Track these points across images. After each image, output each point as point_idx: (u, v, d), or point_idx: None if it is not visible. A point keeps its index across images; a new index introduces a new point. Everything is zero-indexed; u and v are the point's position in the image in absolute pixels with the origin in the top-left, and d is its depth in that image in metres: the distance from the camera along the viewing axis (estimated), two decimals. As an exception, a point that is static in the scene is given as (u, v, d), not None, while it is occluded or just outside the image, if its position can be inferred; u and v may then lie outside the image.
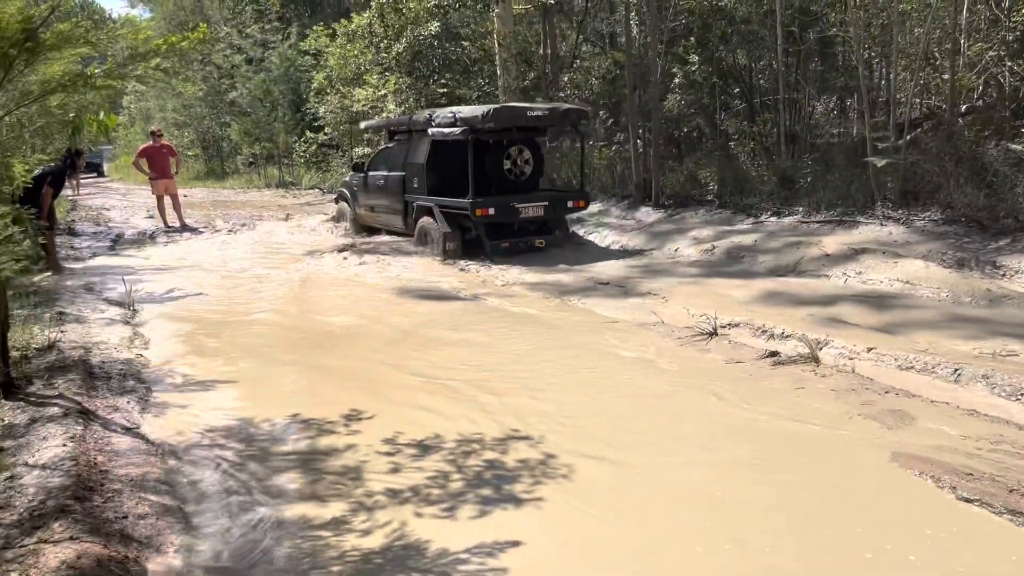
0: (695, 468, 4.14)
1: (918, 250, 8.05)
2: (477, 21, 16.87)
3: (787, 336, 6.12)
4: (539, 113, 10.28)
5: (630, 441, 4.51)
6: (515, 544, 3.44)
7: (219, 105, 26.55)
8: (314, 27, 23.26)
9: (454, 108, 10.74)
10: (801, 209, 10.28)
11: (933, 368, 5.27)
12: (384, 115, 15.35)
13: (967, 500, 3.61)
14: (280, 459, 4.43)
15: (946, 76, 10.18)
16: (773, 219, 10.28)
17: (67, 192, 16.05)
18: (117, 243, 13.04)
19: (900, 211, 9.27)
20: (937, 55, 10.82)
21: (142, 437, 4.66)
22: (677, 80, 13.19)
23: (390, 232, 12.12)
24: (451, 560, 3.33)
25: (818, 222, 9.69)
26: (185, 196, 17.29)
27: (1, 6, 3.99)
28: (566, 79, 15.48)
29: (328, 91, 19.87)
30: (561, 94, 15.39)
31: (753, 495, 3.82)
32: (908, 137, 9.88)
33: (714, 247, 9.59)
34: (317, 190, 21.03)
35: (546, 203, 10.43)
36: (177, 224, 14.53)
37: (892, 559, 3.24)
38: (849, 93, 12.41)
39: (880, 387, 4.98)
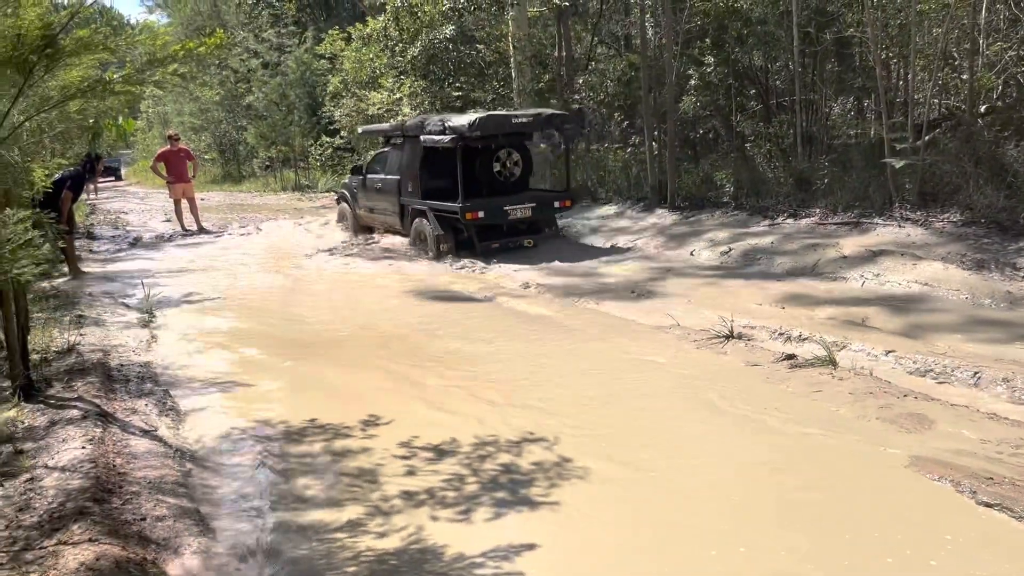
0: (710, 471, 4.12)
1: (937, 252, 7.98)
2: (492, 24, 16.86)
3: (804, 339, 6.08)
4: (523, 120, 10.76)
5: (645, 444, 4.49)
6: (530, 547, 3.44)
7: (236, 109, 26.70)
8: (329, 31, 23.34)
9: (444, 116, 11.13)
10: (818, 211, 10.21)
11: (952, 371, 5.22)
12: (400, 118, 15.37)
13: (987, 505, 3.58)
14: (296, 462, 4.45)
15: (965, 76, 10.08)
16: (790, 221, 10.21)
17: (85, 196, 16.18)
18: (135, 246, 13.15)
19: (918, 212, 9.19)
20: (956, 55, 10.72)
21: (160, 439, 4.69)
22: (693, 82, 13.12)
23: (388, 231, 12.48)
24: (466, 563, 3.33)
25: (835, 224, 9.63)
26: (202, 200, 17.41)
27: (21, 13, 4.03)
28: (581, 81, 15.44)
29: (344, 95, 19.93)
30: (576, 96, 15.37)
31: (769, 499, 3.80)
32: (926, 138, 9.78)
33: (730, 249, 9.55)
34: (333, 193, 21.08)
35: (533, 204, 10.89)
36: (194, 227, 14.64)
37: (912, 564, 3.21)
38: (866, 94, 12.30)
39: (898, 390, 4.93)
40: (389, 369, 6.03)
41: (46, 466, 4.03)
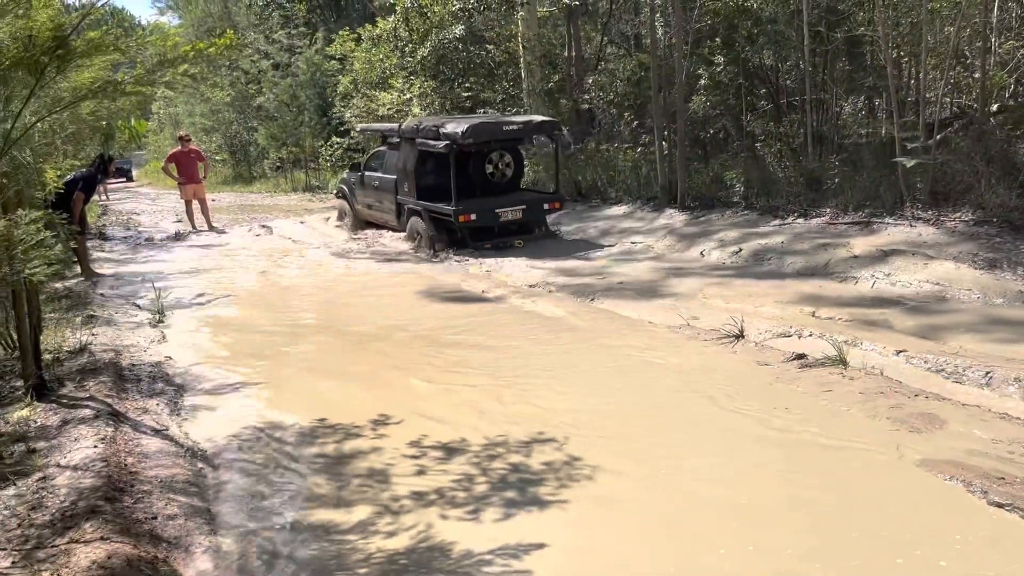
0: (719, 471, 4.11)
1: (949, 251, 7.93)
2: (501, 24, 16.88)
3: (815, 338, 6.06)
4: (514, 127, 11.17)
5: (654, 444, 4.49)
6: (539, 546, 3.44)
7: (246, 110, 26.80)
8: (340, 32, 23.42)
9: (439, 121, 11.40)
10: (828, 210, 10.17)
11: (964, 371, 5.19)
12: (411, 117, 15.42)
13: (999, 505, 3.56)
14: (307, 461, 4.47)
15: (977, 75, 10.03)
16: (800, 221, 10.18)
17: (96, 197, 16.27)
18: (146, 247, 13.21)
19: (930, 212, 9.14)
20: (967, 53, 10.66)
21: (171, 439, 4.72)
22: (703, 81, 13.10)
23: (385, 227, 12.80)
24: (475, 562, 3.34)
25: (846, 223, 9.58)
26: (213, 200, 17.47)
27: (33, 14, 4.06)
28: (591, 81, 15.43)
29: (354, 95, 19.98)
30: (586, 96, 15.36)
31: (778, 498, 3.79)
32: (938, 137, 9.73)
33: (740, 249, 9.52)
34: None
35: (524, 207, 11.26)
36: (205, 228, 14.70)
37: (922, 564, 3.19)
38: (877, 93, 12.25)
39: (909, 390, 4.91)
40: (400, 369, 6.04)
41: (58, 465, 4.05)
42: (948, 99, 10.74)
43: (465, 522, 3.70)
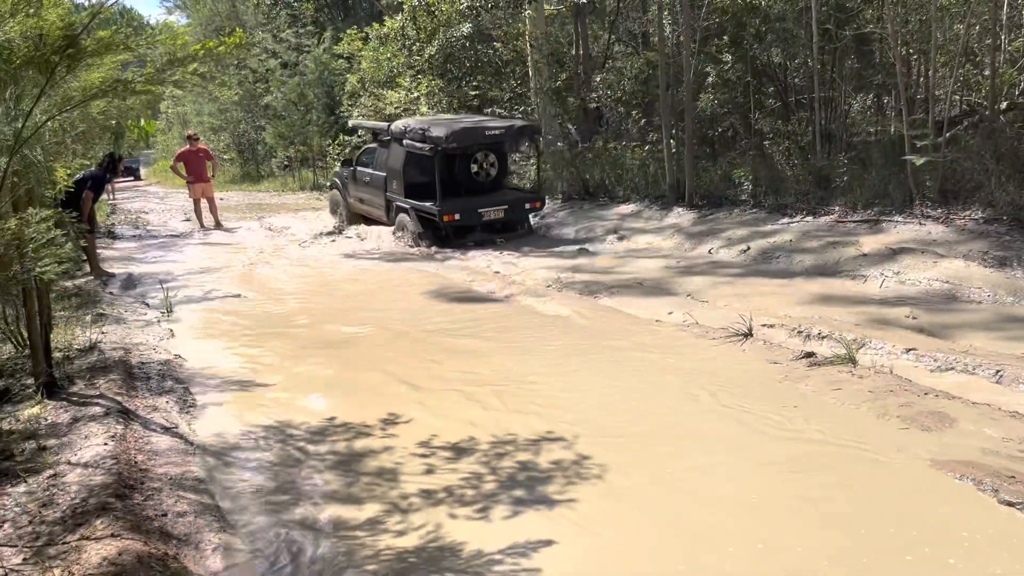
0: (728, 470, 4.11)
1: (958, 249, 7.90)
2: (509, 22, 16.86)
3: (823, 336, 6.04)
4: (496, 131, 11.65)
5: (662, 442, 4.49)
6: (548, 544, 3.44)
7: (254, 109, 26.87)
8: (347, 31, 23.45)
9: (425, 123, 11.82)
10: (837, 208, 10.13)
11: (974, 369, 5.17)
12: (417, 116, 15.43)
13: (1009, 504, 3.55)
14: (316, 460, 4.48)
15: (986, 72, 9.98)
16: (808, 219, 10.14)
17: (105, 196, 16.33)
18: (155, 245, 13.25)
19: (939, 210, 9.10)
20: (977, 51, 10.61)
21: (180, 436, 4.74)
22: (710, 79, 13.06)
23: (376, 221, 13.21)
24: (485, 560, 3.34)
25: (855, 222, 9.55)
26: (221, 199, 17.51)
27: (43, 13, 4.08)
28: (598, 79, 15.41)
29: (361, 94, 20.00)
30: (594, 95, 15.34)
31: (787, 497, 3.78)
32: (947, 135, 9.68)
33: (748, 247, 9.50)
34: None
35: (506, 206, 11.78)
36: (213, 226, 14.74)
37: (931, 562, 3.19)
38: (886, 91, 12.19)
39: (919, 388, 4.89)
40: (409, 367, 6.04)
41: (69, 462, 4.08)
42: (957, 97, 10.69)
43: (474, 520, 3.70)
